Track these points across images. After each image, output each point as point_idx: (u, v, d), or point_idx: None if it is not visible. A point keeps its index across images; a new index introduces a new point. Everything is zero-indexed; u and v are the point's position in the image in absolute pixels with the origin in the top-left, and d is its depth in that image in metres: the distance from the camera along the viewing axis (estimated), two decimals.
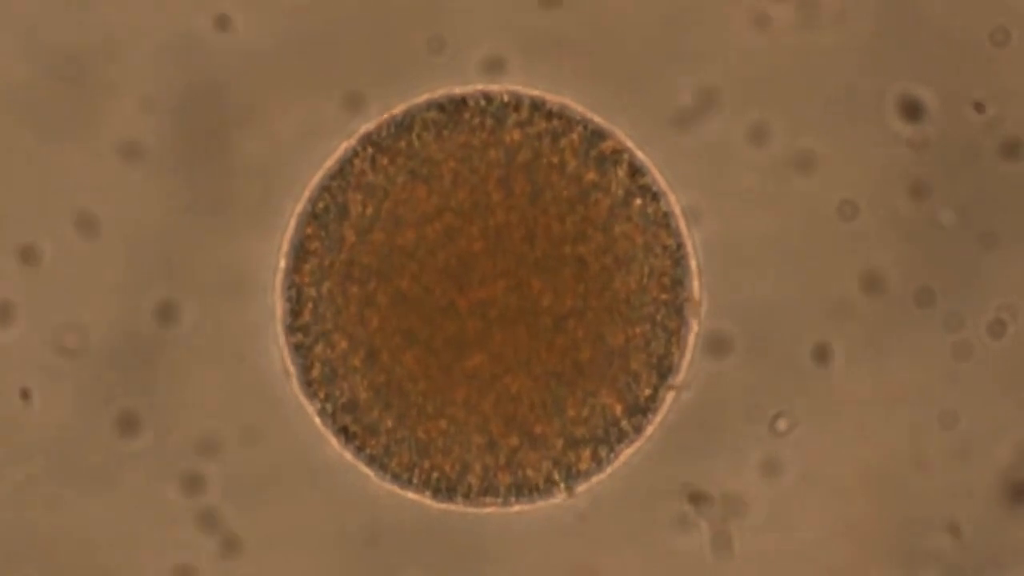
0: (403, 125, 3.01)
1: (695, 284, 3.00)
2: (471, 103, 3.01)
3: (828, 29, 3.01)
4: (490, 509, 3.00)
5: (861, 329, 3.00)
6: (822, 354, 2.99)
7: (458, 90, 3.01)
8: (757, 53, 3.01)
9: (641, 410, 3.00)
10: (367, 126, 3.01)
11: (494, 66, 3.01)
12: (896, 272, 3.00)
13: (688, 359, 3.00)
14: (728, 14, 3.01)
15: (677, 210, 3.00)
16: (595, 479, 3.00)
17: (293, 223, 3.01)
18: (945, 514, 2.99)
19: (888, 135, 3.01)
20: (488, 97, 3.01)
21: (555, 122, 3.00)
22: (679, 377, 3.00)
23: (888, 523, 2.99)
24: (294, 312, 3.00)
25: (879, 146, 3.01)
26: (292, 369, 3.00)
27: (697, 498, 2.99)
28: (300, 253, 3.00)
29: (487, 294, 2.96)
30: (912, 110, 3.01)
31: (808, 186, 3.00)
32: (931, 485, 3.00)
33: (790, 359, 2.99)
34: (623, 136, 3.00)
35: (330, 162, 3.01)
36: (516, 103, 3.00)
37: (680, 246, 3.00)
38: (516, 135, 3.00)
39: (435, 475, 3.00)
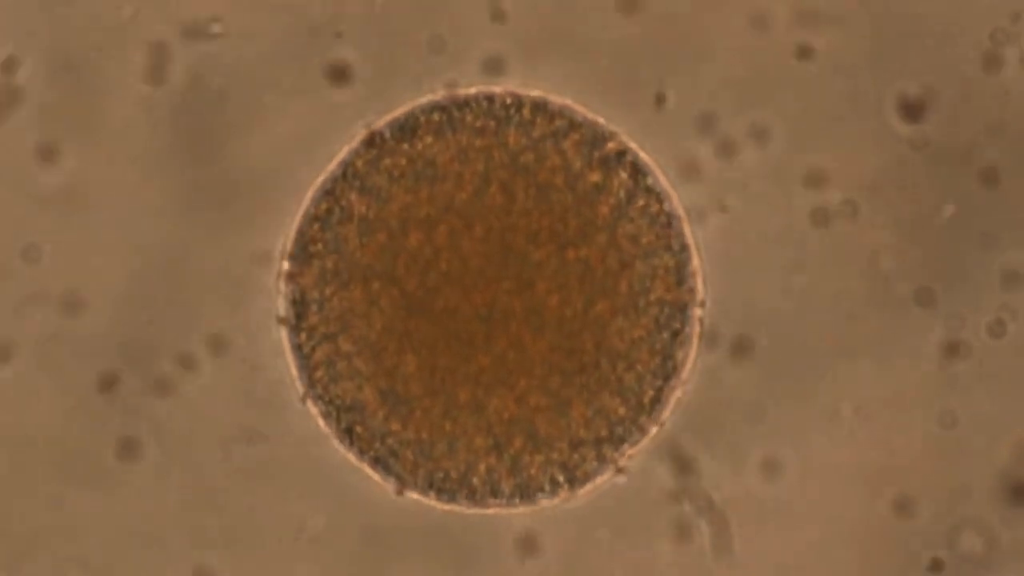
0: (405, 127, 3.01)
1: (698, 282, 3.01)
2: (473, 104, 3.01)
3: (828, 29, 3.01)
4: (494, 510, 3.01)
5: (861, 329, 3.00)
6: (822, 354, 2.99)
7: (460, 91, 3.01)
8: (757, 53, 3.01)
9: (645, 411, 3.00)
10: (369, 128, 3.01)
11: (495, 66, 3.01)
12: (896, 272, 3.00)
13: (692, 359, 3.00)
14: (728, 14, 3.01)
15: (680, 210, 3.00)
16: (598, 480, 3.01)
17: (296, 225, 3.00)
18: (945, 514, 2.99)
19: (888, 135, 3.01)
20: (490, 98, 3.01)
21: (558, 123, 3.00)
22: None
23: (888, 523, 2.99)
24: (298, 314, 3.00)
25: (879, 146, 3.01)
26: (295, 370, 3.00)
27: (697, 498, 2.99)
28: (303, 255, 3.00)
29: (491, 295, 2.96)
30: (912, 110, 3.01)
31: (808, 186, 3.00)
32: (931, 485, 3.00)
33: (790, 359, 2.99)
34: (626, 137, 3.00)
35: (332, 164, 3.01)
36: (518, 104, 3.00)
37: (683, 246, 3.00)
38: (519, 137, 2.99)
39: (439, 476, 3.00)
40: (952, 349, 3.00)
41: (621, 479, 3.00)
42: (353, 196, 3.00)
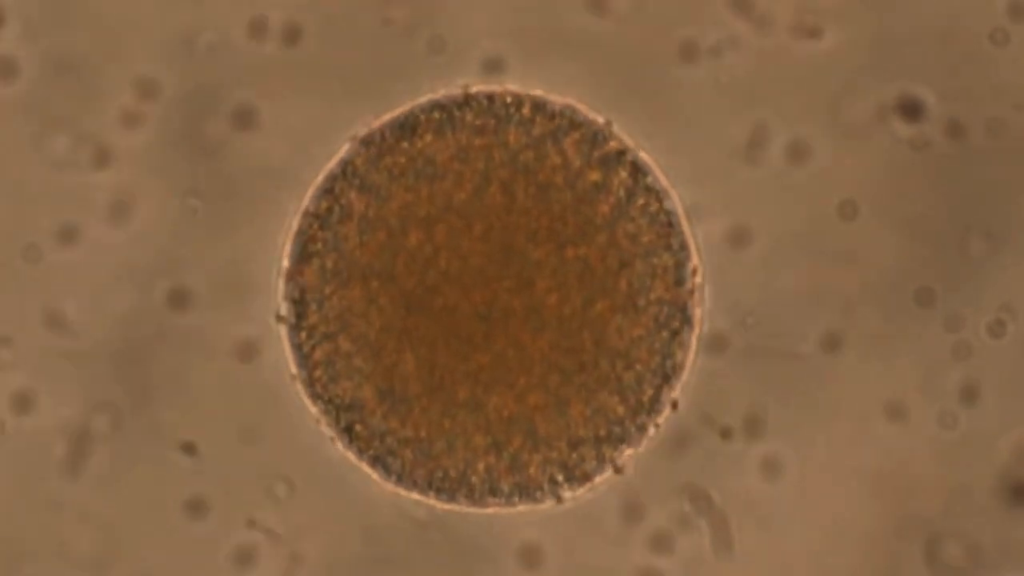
0: (406, 126, 3.01)
1: (697, 279, 3.01)
2: (473, 104, 3.01)
3: (828, 30, 3.01)
4: (493, 509, 3.01)
5: (861, 329, 3.00)
6: (822, 354, 2.99)
7: (460, 90, 3.01)
8: (757, 53, 3.01)
9: (644, 410, 3.00)
10: (369, 127, 3.01)
11: (495, 66, 3.01)
12: (896, 272, 3.00)
13: (691, 358, 3.00)
14: (728, 14, 3.02)
15: (680, 209, 3.00)
16: (597, 479, 3.01)
17: (296, 224, 3.00)
18: (945, 514, 2.99)
19: (888, 135, 3.01)
20: (490, 97, 3.01)
21: (558, 122, 3.00)
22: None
23: (888, 523, 2.99)
24: (297, 313, 3.00)
25: (879, 146, 3.01)
26: (295, 370, 3.00)
27: (697, 498, 2.99)
28: (303, 254, 3.00)
29: (490, 294, 2.96)
30: (912, 110, 3.01)
31: (808, 186, 3.00)
32: (931, 485, 3.00)
33: (790, 359, 2.99)
34: (626, 136, 3.00)
35: (332, 162, 3.01)
36: (518, 103, 3.00)
37: (683, 245, 3.00)
38: (519, 136, 3.00)
39: (438, 475, 3.00)
40: (952, 349, 3.00)
41: (619, 475, 3.01)
42: (353, 195, 3.00)
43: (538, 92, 3.01)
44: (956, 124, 3.01)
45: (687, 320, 3.01)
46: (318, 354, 3.00)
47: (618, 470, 3.01)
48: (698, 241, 3.00)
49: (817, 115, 3.01)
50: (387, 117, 3.01)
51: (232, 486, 3.00)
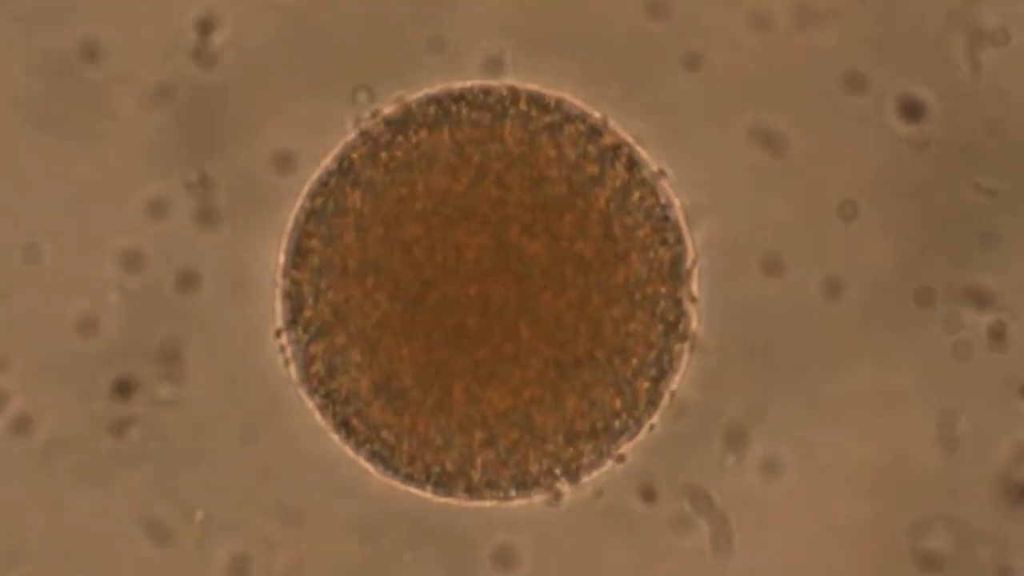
0: (401, 120, 3.02)
1: (693, 277, 3.01)
2: (469, 98, 3.02)
3: (828, 29, 3.01)
4: (490, 504, 3.00)
5: (860, 329, 2.99)
6: (822, 353, 2.99)
7: (456, 85, 3.02)
8: (757, 53, 3.02)
9: (640, 404, 3.00)
10: (365, 122, 3.02)
11: (494, 66, 3.01)
12: (896, 272, 3.00)
13: (687, 352, 3.00)
14: (728, 13, 3.02)
15: (676, 204, 3.00)
16: (595, 474, 3.01)
17: (292, 219, 3.01)
18: (945, 514, 2.99)
19: (888, 135, 3.01)
20: (486, 92, 3.02)
21: (554, 116, 3.01)
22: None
23: (888, 523, 2.99)
24: (293, 308, 3.01)
25: (879, 146, 3.01)
26: (291, 365, 3.00)
27: (697, 498, 2.98)
28: (299, 249, 3.01)
29: (486, 288, 2.96)
30: (912, 110, 3.01)
31: (808, 186, 3.00)
32: (931, 485, 2.99)
33: (789, 358, 2.99)
34: (622, 131, 3.01)
35: (328, 159, 3.01)
36: (514, 97, 3.01)
37: (679, 240, 3.00)
38: (515, 130, 3.00)
39: (435, 470, 3.00)
40: (952, 349, 3.00)
41: (619, 466, 3.01)
42: (348, 189, 3.01)
43: (534, 86, 3.01)
44: (956, 124, 3.01)
45: (683, 315, 3.01)
46: (314, 349, 3.00)
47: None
48: (695, 238, 3.00)
49: (816, 114, 3.01)
50: (383, 112, 3.02)
51: (230, 484, 3.00)
